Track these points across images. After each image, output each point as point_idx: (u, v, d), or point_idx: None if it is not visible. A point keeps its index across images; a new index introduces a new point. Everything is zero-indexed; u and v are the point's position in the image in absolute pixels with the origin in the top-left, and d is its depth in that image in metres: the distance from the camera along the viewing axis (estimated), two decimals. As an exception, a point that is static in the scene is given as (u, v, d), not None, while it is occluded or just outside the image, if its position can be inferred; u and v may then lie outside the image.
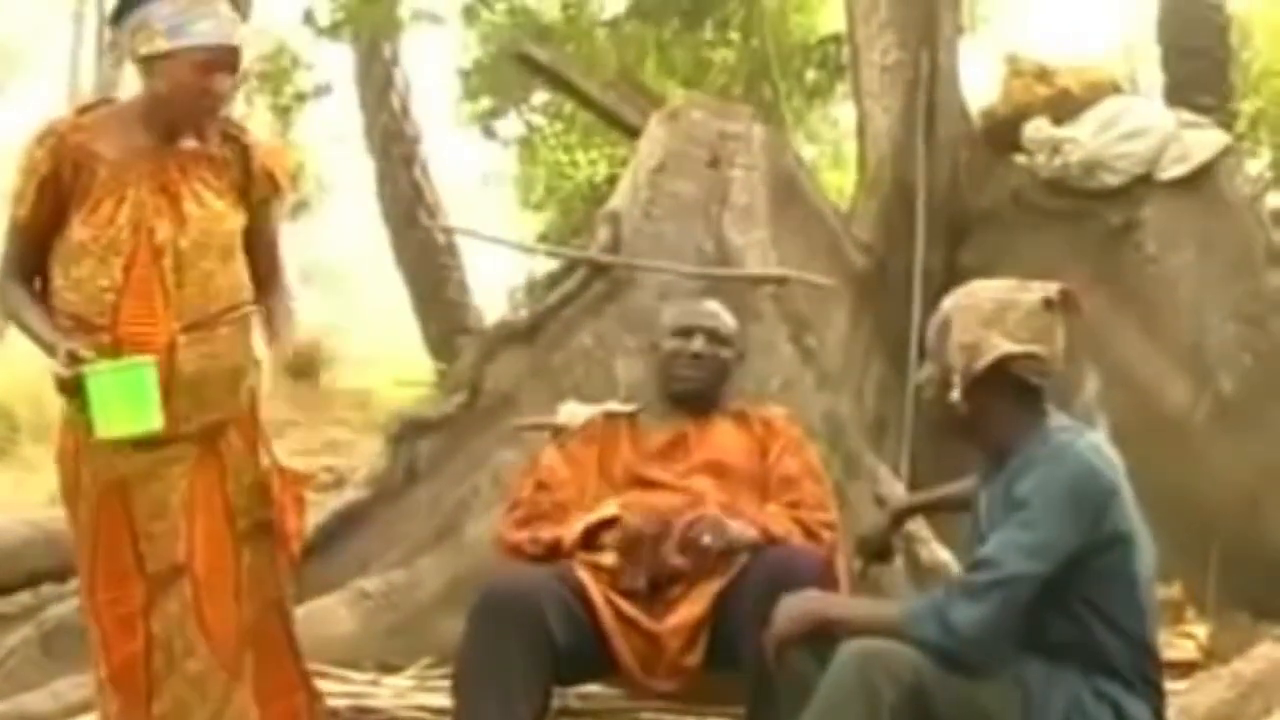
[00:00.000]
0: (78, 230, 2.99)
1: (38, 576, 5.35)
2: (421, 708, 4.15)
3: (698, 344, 3.75)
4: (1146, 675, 2.80)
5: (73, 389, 2.90)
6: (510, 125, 12.17)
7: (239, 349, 3.14)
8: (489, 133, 12.02)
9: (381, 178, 12.67)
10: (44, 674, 4.39)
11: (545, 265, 9.04)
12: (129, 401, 2.89)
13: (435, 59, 14.25)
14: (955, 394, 2.81)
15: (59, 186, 2.99)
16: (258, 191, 3.18)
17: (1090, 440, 2.81)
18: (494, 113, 11.83)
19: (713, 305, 3.97)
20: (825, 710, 2.67)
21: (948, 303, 2.90)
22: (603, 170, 11.78)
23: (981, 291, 2.88)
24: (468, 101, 11.79)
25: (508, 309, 10.27)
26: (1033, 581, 2.67)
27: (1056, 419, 2.85)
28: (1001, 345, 2.77)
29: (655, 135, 5.74)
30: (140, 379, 2.90)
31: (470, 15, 11.09)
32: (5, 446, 10.38)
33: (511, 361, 5.31)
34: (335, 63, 13.17)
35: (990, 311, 2.82)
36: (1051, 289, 2.84)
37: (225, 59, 3.02)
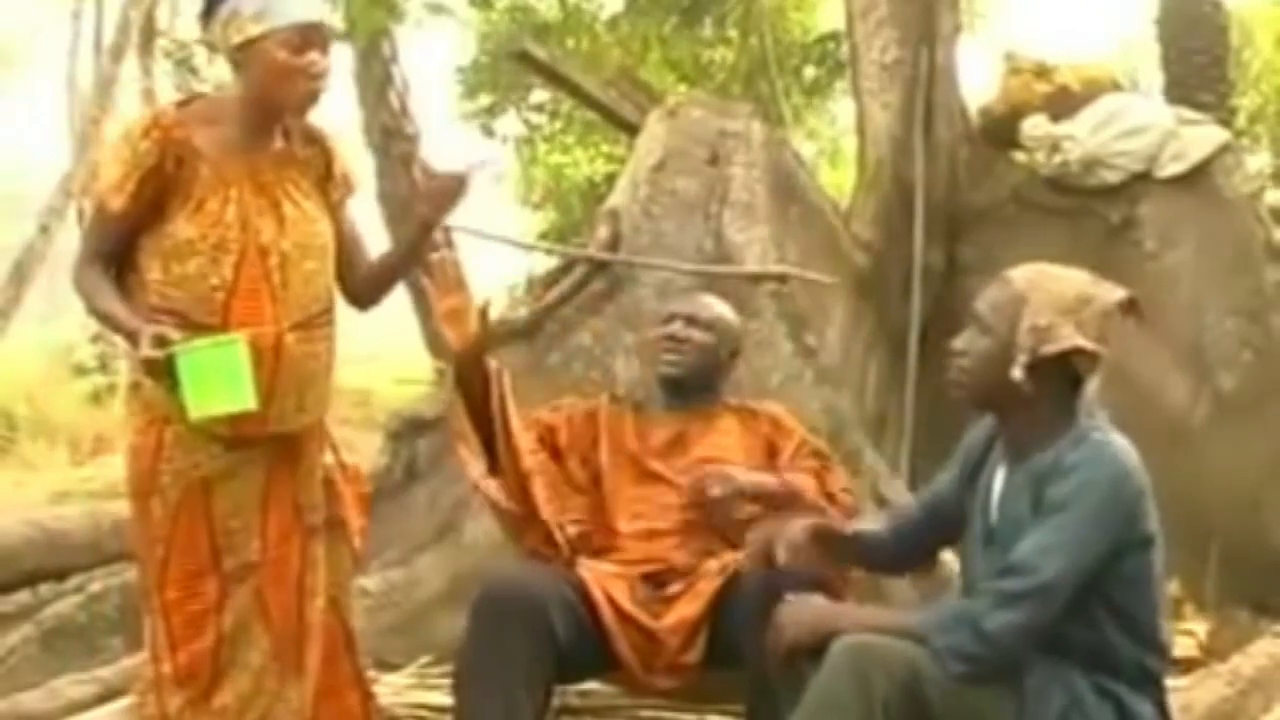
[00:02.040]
0: (183, 227, 2.96)
1: (37, 576, 5.35)
2: (421, 705, 4.16)
3: (674, 327, 3.78)
4: (1151, 673, 2.78)
5: (161, 372, 2.86)
6: (509, 123, 12.19)
7: (333, 350, 3.15)
8: (488, 131, 12.03)
9: (380, 175, 12.66)
10: (43, 673, 4.40)
11: (544, 263, 9.04)
12: (222, 379, 2.85)
13: (435, 57, 14.24)
14: (1017, 372, 2.75)
15: (161, 180, 2.96)
16: (336, 192, 3.20)
17: (1122, 441, 2.78)
18: (493, 110, 11.84)
19: (705, 297, 3.99)
20: (820, 705, 2.67)
21: (1020, 280, 2.83)
22: (602, 168, 11.78)
23: (1061, 277, 2.84)
24: (467, 99, 11.80)
25: (507, 307, 10.28)
26: (1068, 587, 2.65)
27: (1085, 417, 2.82)
28: (1074, 338, 2.75)
29: (654, 133, 5.74)
30: (233, 355, 2.86)
31: (480, 2, 11.11)
32: (5, 446, 10.38)
33: (510, 359, 5.29)
34: (333, 60, 13.15)
35: (1069, 301, 2.78)
36: (1121, 294, 2.83)
37: (315, 36, 3.02)
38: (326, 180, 3.18)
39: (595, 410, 3.82)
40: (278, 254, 3.01)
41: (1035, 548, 2.67)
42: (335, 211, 3.20)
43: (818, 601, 2.92)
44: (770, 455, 3.72)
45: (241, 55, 3.01)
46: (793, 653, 2.83)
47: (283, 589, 3.10)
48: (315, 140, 3.17)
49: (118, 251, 3.03)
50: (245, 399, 2.88)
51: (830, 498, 3.58)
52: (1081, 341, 2.75)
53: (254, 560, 3.07)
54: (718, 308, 3.89)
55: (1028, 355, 2.76)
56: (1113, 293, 2.83)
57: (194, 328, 2.93)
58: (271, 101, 3.04)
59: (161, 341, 2.85)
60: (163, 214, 2.98)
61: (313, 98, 3.07)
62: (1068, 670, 2.70)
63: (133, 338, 2.91)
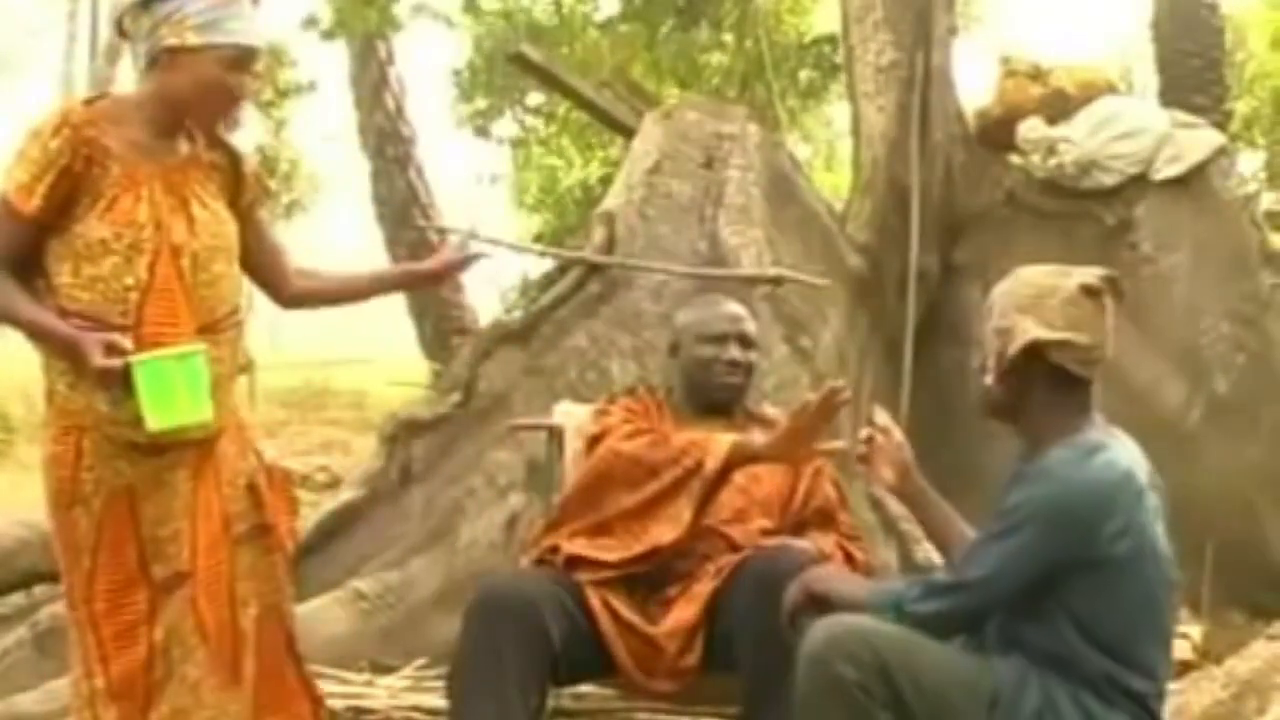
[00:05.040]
0: (94, 227, 2.90)
1: (32, 577, 5.35)
2: (416, 708, 4.16)
3: (734, 351, 3.73)
4: (1127, 688, 2.73)
5: (113, 381, 2.81)
6: (505, 126, 12.19)
7: (238, 353, 3.11)
8: (483, 133, 12.03)
9: (376, 177, 12.67)
10: (38, 675, 4.39)
11: (540, 266, 9.05)
12: (184, 390, 2.81)
13: (430, 59, 14.24)
14: (988, 379, 2.78)
15: (71, 180, 2.90)
16: (247, 196, 3.16)
17: (1109, 457, 2.72)
18: (488, 113, 11.84)
19: (736, 307, 3.92)
20: (803, 709, 2.71)
21: (995, 290, 2.85)
22: (597, 171, 11.79)
23: (1023, 277, 2.82)
24: (462, 102, 11.80)
25: (502, 309, 10.29)
26: (988, 591, 2.70)
27: (1095, 426, 2.79)
28: (1033, 331, 2.73)
29: (650, 135, 5.74)
30: (194, 367, 2.83)
31: (472, 7, 11.13)
32: (1, 448, 10.37)
33: (506, 362, 5.31)
34: (330, 62, 13.19)
35: (1027, 297, 2.76)
36: (1092, 275, 2.78)
37: (250, 60, 3.00)
38: (236, 184, 3.13)
39: (644, 405, 3.79)
40: (189, 255, 2.96)
41: (972, 548, 2.78)
42: (249, 215, 3.16)
43: (818, 568, 3.11)
44: (793, 473, 3.70)
45: (169, 58, 2.95)
46: (793, 613, 2.95)
47: (216, 600, 3.04)
48: (219, 145, 3.12)
49: (26, 255, 2.93)
50: (204, 411, 2.85)
51: (851, 560, 3.58)
52: (1040, 333, 2.72)
53: (184, 570, 3.00)
54: (750, 319, 3.87)
55: (994, 359, 2.78)
56: (1080, 277, 2.78)
57: (106, 330, 2.85)
58: (187, 109, 3.00)
59: (114, 349, 2.80)
60: (71, 214, 2.91)
61: (226, 117, 3.06)
62: (1040, 672, 2.69)
63: (76, 347, 2.83)
